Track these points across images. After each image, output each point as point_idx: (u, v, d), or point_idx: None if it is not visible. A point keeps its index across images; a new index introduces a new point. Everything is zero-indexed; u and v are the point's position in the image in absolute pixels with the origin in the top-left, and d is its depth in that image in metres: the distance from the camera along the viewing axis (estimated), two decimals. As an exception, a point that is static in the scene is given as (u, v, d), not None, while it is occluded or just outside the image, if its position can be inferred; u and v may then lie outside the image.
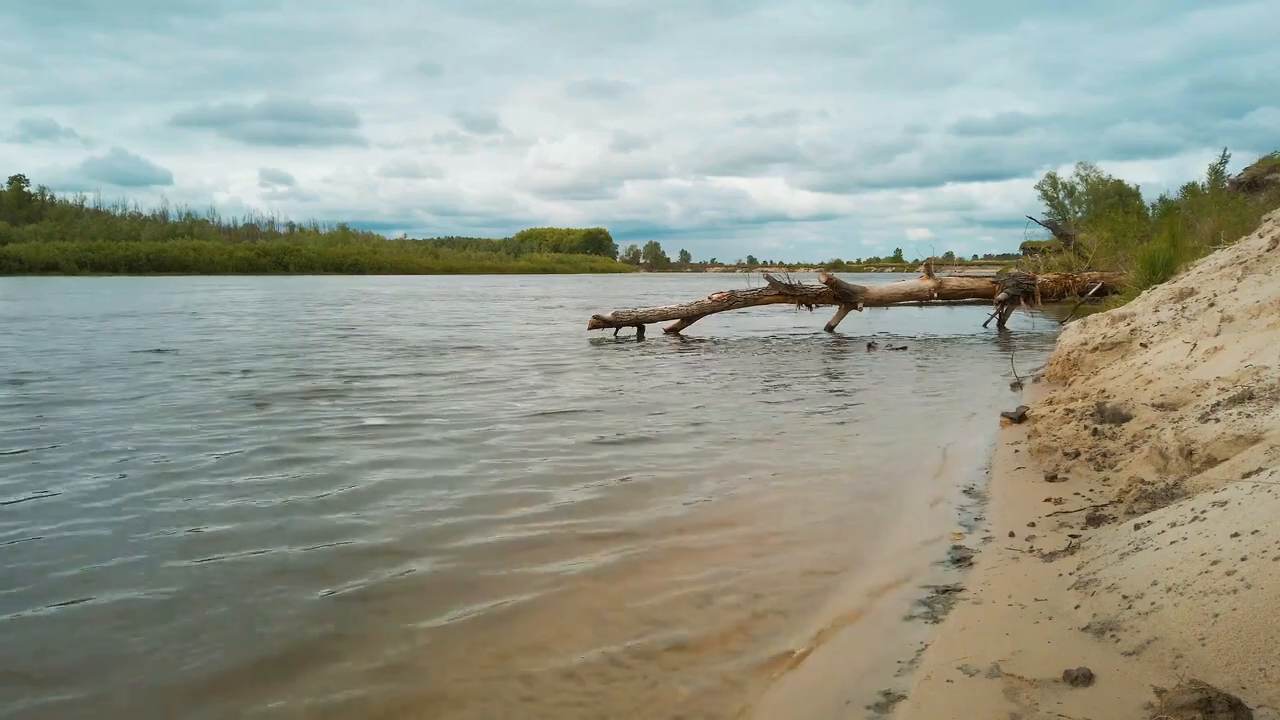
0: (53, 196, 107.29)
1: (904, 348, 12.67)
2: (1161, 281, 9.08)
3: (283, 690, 2.46)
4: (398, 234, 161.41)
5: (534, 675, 2.55)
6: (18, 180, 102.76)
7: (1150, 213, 25.77)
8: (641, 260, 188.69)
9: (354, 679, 2.52)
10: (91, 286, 47.51)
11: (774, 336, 15.30)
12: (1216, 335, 5.48)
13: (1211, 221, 12.58)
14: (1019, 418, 5.74)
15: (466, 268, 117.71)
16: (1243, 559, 2.18)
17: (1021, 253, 26.99)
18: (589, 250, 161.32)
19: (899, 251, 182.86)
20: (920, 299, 16.52)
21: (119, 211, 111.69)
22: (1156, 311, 7.32)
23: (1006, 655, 2.24)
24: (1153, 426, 4.37)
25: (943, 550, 3.41)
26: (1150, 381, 5.15)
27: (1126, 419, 4.73)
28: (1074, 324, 8.87)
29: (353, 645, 2.74)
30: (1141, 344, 6.65)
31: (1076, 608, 2.44)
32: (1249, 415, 3.54)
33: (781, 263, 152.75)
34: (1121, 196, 33.63)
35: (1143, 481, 3.60)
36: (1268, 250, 7.35)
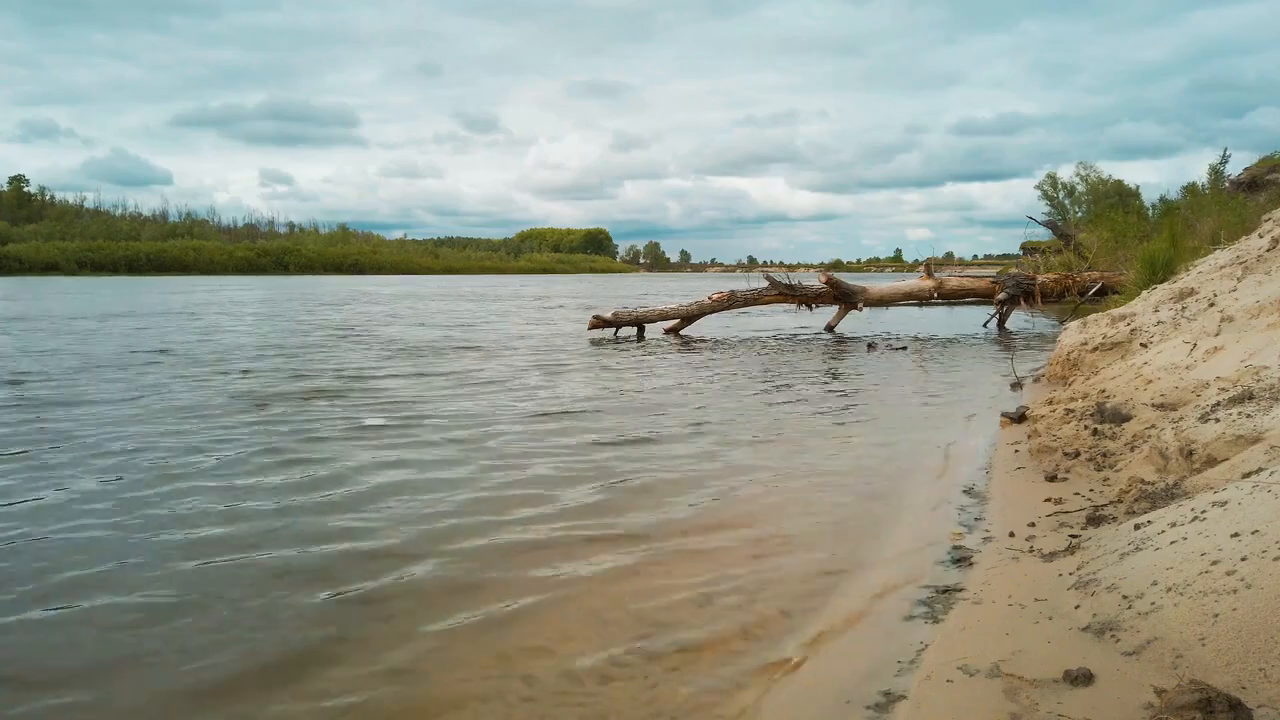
0: (53, 196, 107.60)
1: (904, 348, 12.67)
2: (1161, 281, 9.08)
3: (284, 694, 2.45)
4: (398, 234, 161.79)
5: (535, 676, 2.55)
6: (18, 180, 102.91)
7: (1150, 213, 25.79)
8: (641, 260, 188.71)
9: (356, 682, 2.52)
10: (91, 286, 47.51)
11: (774, 336, 15.29)
12: (1216, 335, 5.48)
13: (1211, 221, 12.58)
14: (1019, 418, 5.74)
15: (466, 268, 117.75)
16: (1243, 559, 2.18)
17: (1021, 253, 26.99)
18: (589, 250, 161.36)
19: (899, 251, 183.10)
20: (920, 299, 16.52)
21: (119, 211, 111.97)
22: (1156, 311, 7.32)
23: (1006, 655, 2.24)
24: (1153, 426, 4.37)
25: (943, 550, 3.41)
26: (1150, 381, 5.15)
27: (1126, 419, 4.73)
28: (1074, 324, 8.87)
29: (354, 648, 2.73)
30: (1141, 344, 6.65)
31: (1076, 608, 2.44)
32: (1249, 415, 3.54)
33: (781, 263, 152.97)
34: (1121, 196, 33.66)
35: (1143, 481, 3.60)
36: (1268, 250, 7.35)
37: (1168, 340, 6.09)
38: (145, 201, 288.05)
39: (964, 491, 4.34)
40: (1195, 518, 2.57)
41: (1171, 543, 2.49)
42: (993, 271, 20.77)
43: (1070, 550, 3.00)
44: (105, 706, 2.40)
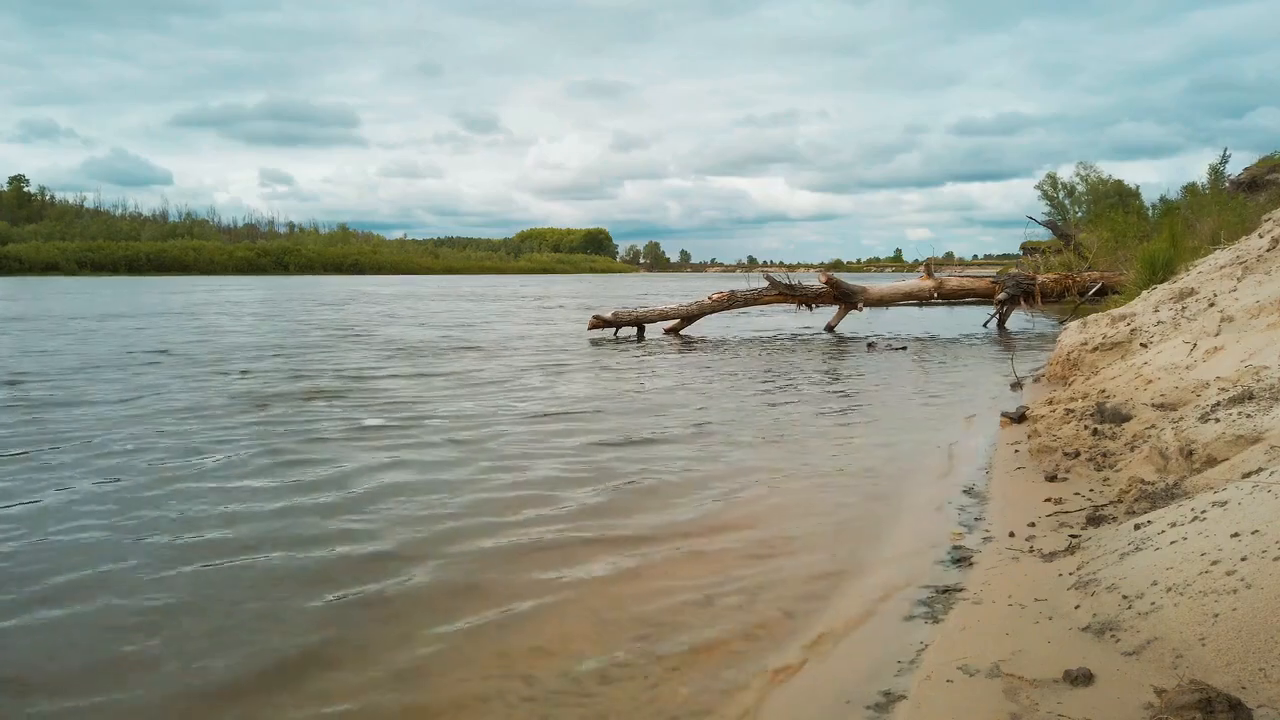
0: (53, 196, 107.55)
1: (904, 348, 12.67)
2: (1161, 281, 9.08)
3: (285, 697, 2.44)
4: (398, 234, 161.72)
5: (536, 677, 2.55)
6: (18, 180, 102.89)
7: (1150, 213, 25.80)
8: (641, 260, 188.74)
9: (357, 685, 2.51)
10: (91, 286, 47.52)
11: (774, 337, 15.30)
12: (1216, 335, 5.48)
13: (1211, 221, 12.59)
14: (1019, 418, 5.75)
15: (466, 268, 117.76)
16: (1243, 559, 2.18)
17: (1021, 253, 27.01)
18: (589, 250, 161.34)
19: (899, 251, 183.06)
20: (920, 299, 16.53)
21: (119, 211, 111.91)
22: (1156, 311, 7.32)
23: (1006, 655, 2.24)
24: (1153, 426, 4.37)
25: (943, 550, 3.41)
26: (1150, 381, 5.15)
27: (1126, 419, 4.73)
28: (1074, 324, 8.87)
29: (356, 651, 2.72)
30: (1141, 344, 6.65)
31: (1076, 608, 2.44)
32: (1249, 415, 3.55)
33: (781, 263, 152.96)
34: (1121, 196, 33.67)
35: (1143, 481, 3.60)
36: (1268, 250, 7.35)
37: (1168, 340, 6.09)
38: (145, 201, 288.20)
39: (964, 491, 4.34)
40: (1195, 518, 2.57)
41: (1171, 543, 2.49)
42: (993, 271, 20.78)
43: (1070, 550, 3.00)
44: (105, 710, 2.39)
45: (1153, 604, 2.24)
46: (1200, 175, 35.30)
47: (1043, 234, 24.59)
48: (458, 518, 4.07)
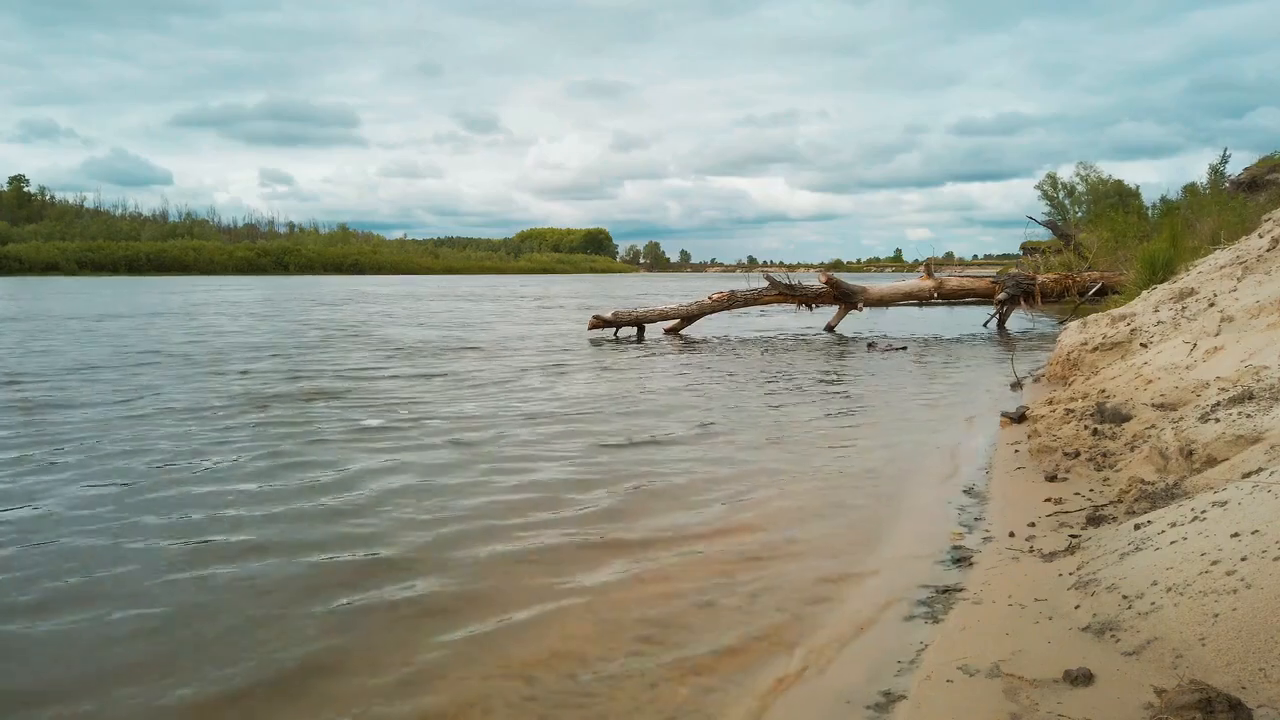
0: (53, 196, 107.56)
1: (904, 348, 12.67)
2: (1161, 281, 9.08)
3: (287, 707, 2.42)
4: (398, 234, 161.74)
5: (536, 677, 2.54)
6: (18, 180, 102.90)
7: (1150, 213, 25.79)
8: (641, 260, 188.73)
9: (361, 694, 2.49)
10: (91, 286, 47.52)
11: (774, 337, 15.30)
12: (1216, 335, 5.48)
13: (1211, 221, 12.59)
14: (1019, 418, 5.75)
15: (466, 268, 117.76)
16: (1243, 559, 2.18)
17: (1021, 253, 27.03)
18: (589, 250, 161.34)
19: (899, 251, 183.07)
20: (920, 299, 16.53)
21: (119, 211, 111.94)
22: (1156, 311, 7.32)
23: (1006, 655, 2.24)
24: (1153, 426, 4.37)
25: (943, 550, 3.42)
26: (1150, 381, 5.15)
27: (1126, 419, 4.73)
28: (1074, 324, 8.88)
29: (359, 659, 2.69)
30: (1141, 344, 6.65)
31: (1076, 608, 2.45)
32: (1249, 415, 3.55)
33: (781, 263, 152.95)
34: (1121, 196, 33.68)
35: (1143, 481, 3.60)
36: (1268, 250, 7.35)
37: (1168, 340, 6.09)
38: (145, 201, 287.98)
39: (964, 492, 4.34)
40: (1195, 518, 2.57)
41: (1171, 543, 2.49)
42: (993, 271, 20.78)
43: (1070, 550, 3.00)
44: None
45: (1153, 604, 2.24)
46: (1200, 175, 35.34)
47: (1043, 234, 24.64)
48: (459, 521, 4.05)
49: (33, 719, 2.37)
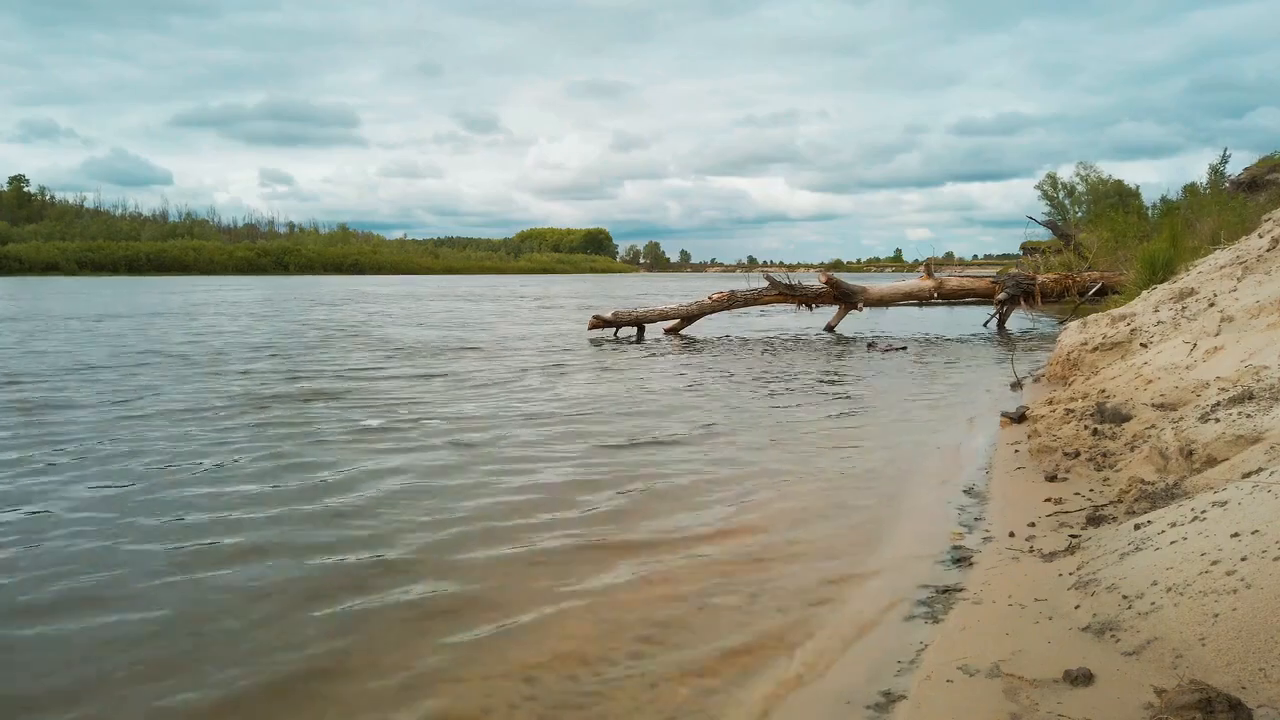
0: (53, 196, 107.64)
1: (904, 348, 12.67)
2: (1161, 281, 9.08)
3: (288, 710, 2.41)
4: (398, 234, 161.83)
5: (537, 678, 2.55)
6: (18, 180, 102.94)
7: (1150, 213, 25.79)
8: (641, 260, 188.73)
9: (362, 698, 2.49)
10: (91, 287, 47.51)
11: (774, 337, 15.30)
12: (1216, 335, 5.48)
13: (1211, 221, 12.59)
14: (1019, 418, 5.75)
15: (466, 268, 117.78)
16: (1243, 559, 2.18)
17: (1021, 253, 27.02)
18: (589, 250, 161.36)
19: (899, 251, 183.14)
20: (920, 299, 16.53)
21: (119, 211, 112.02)
22: (1156, 311, 7.33)
23: (1006, 655, 2.24)
24: (1153, 426, 4.37)
25: (943, 551, 3.42)
26: (1150, 381, 5.15)
27: (1126, 419, 4.73)
28: (1074, 324, 8.88)
29: (360, 662, 2.68)
30: (1141, 344, 6.65)
31: (1076, 608, 2.45)
32: (1249, 415, 3.55)
33: (781, 263, 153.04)
34: (1121, 196, 33.67)
35: (1143, 481, 3.60)
36: (1268, 250, 7.36)
37: (1168, 340, 6.09)
38: (145, 201, 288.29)
39: (964, 491, 4.34)
40: (1195, 518, 2.57)
41: (1171, 543, 2.49)
42: (993, 271, 20.78)
43: (1070, 550, 3.00)
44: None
45: (1153, 604, 2.25)
46: (1200, 175, 35.35)
47: (1043, 234, 24.63)
48: (460, 523, 4.04)
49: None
